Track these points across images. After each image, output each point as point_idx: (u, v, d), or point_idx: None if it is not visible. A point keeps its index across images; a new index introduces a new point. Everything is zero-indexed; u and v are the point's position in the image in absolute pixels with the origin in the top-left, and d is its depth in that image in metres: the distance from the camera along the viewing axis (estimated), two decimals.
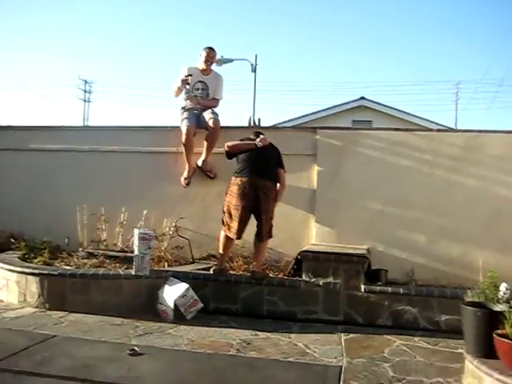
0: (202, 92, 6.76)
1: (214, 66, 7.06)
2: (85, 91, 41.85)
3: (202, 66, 6.75)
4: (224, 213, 5.70)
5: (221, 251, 5.83)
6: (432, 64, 70.86)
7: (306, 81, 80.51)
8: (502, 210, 5.93)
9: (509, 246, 5.84)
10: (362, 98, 17.50)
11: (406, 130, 6.38)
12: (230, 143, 5.76)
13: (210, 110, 6.65)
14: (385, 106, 17.41)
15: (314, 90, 67.70)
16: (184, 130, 6.46)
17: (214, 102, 6.83)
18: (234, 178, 5.62)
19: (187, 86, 6.67)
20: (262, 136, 5.78)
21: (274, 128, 6.84)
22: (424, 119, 17.50)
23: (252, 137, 5.85)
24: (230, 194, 5.61)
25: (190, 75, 6.60)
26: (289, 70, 72.04)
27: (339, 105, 17.62)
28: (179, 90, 6.74)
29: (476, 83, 57.04)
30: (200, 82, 6.74)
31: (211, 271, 5.77)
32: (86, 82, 41.78)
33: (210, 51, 6.78)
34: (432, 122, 17.23)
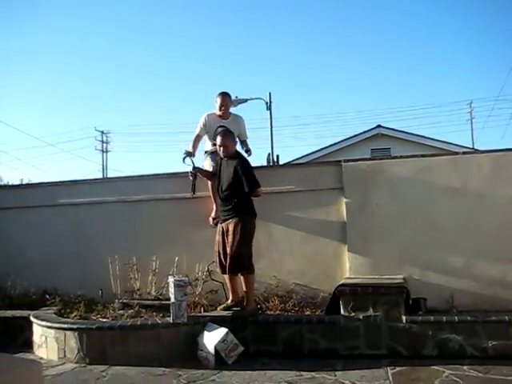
0: None
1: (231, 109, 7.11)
2: (102, 142, 42.67)
3: (218, 112, 6.78)
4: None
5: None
6: (445, 86, 71.04)
7: (321, 114, 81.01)
8: None
9: None
10: (379, 126, 17.50)
11: (431, 155, 6.35)
12: None
13: None
14: (402, 131, 17.41)
15: (330, 122, 68.02)
16: (210, 170, 6.52)
17: (244, 144, 6.87)
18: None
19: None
20: None
21: (297, 165, 6.80)
22: (442, 141, 17.44)
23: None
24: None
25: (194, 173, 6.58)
26: (304, 104, 72.77)
27: (356, 135, 17.64)
28: (197, 140, 6.83)
29: (492, 101, 56.84)
30: (220, 127, 6.73)
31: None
32: (102, 132, 42.60)
33: (224, 98, 6.76)
34: (450, 143, 17.15)
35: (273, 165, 6.59)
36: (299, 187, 6.52)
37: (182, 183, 7.00)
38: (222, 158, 6.07)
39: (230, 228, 5.76)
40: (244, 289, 5.82)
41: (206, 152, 6.84)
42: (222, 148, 5.94)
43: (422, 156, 6.34)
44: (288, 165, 6.80)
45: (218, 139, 5.98)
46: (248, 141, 6.95)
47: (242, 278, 5.82)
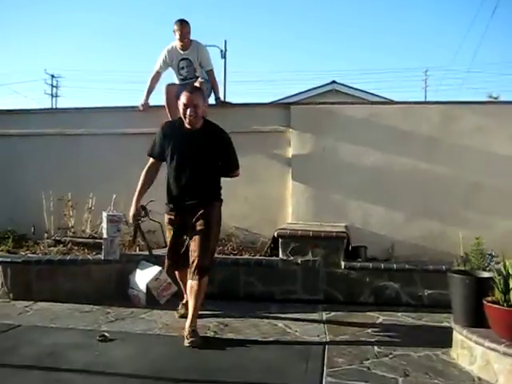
0: (188, 70, 6.32)
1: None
2: (52, 86, 41.12)
3: (178, 43, 6.27)
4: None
5: None
6: (403, 51, 71.95)
7: (278, 70, 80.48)
8: (481, 182, 5.81)
9: (488, 219, 5.73)
10: (334, 81, 17.28)
11: (381, 103, 6.22)
12: None
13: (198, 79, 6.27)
14: (356, 89, 17.21)
15: (287, 80, 67.64)
16: (164, 89, 6.24)
17: (212, 78, 6.43)
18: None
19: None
20: None
21: (244, 105, 6.54)
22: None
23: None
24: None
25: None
26: (260, 59, 72.28)
27: (311, 89, 17.31)
28: (155, 78, 6.48)
29: (445, 70, 57.50)
30: (183, 59, 6.31)
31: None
32: (52, 76, 41.05)
33: (183, 26, 6.20)
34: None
35: (220, 103, 6.30)
36: (246, 128, 6.24)
37: (122, 118, 6.71)
38: (176, 125, 4.34)
39: (203, 217, 4.18)
40: (194, 297, 4.09)
41: None
42: (189, 110, 4.11)
43: (373, 103, 6.20)
44: (235, 104, 6.53)
45: (185, 97, 4.13)
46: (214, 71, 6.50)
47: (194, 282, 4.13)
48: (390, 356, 3.68)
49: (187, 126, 4.20)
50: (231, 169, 4.41)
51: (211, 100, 6.40)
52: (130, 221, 4.53)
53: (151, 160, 4.42)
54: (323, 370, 3.39)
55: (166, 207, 4.36)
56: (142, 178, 4.43)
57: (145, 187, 4.42)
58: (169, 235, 4.41)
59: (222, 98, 6.58)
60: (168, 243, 4.43)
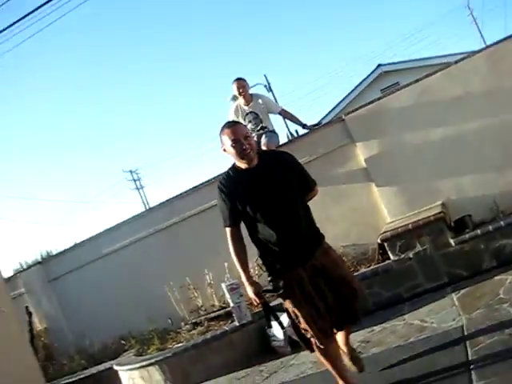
0: (254, 122, 6.65)
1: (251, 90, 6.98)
2: (134, 180, 42.98)
3: (241, 100, 6.68)
4: None
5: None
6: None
7: (323, 74, 79.87)
8: None
9: None
10: (379, 65, 17.14)
11: (426, 76, 6.23)
12: None
13: (265, 135, 6.62)
14: (403, 62, 16.97)
15: (336, 77, 67.15)
16: None
17: (287, 114, 6.90)
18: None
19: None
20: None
21: (304, 135, 6.84)
22: (450, 54, 16.89)
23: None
24: None
25: None
26: (304, 71, 72.37)
27: (360, 84, 17.28)
28: None
29: None
30: (248, 113, 6.66)
31: None
32: (131, 171, 42.89)
33: (239, 82, 6.64)
34: (459, 53, 16.64)
35: (289, 140, 6.69)
36: (314, 155, 6.47)
37: (207, 192, 7.08)
38: (232, 176, 3.51)
39: (328, 259, 3.60)
40: (346, 339, 3.83)
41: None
42: (243, 143, 3.40)
43: (416, 81, 6.24)
44: (295, 138, 6.84)
45: (231, 133, 3.43)
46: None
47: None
48: None
49: (245, 165, 3.46)
50: (310, 186, 3.63)
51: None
52: (254, 303, 3.62)
53: (229, 229, 3.54)
54: (467, 352, 3.51)
55: (271, 271, 3.55)
56: (233, 253, 3.54)
57: (243, 260, 3.53)
58: (295, 302, 3.49)
59: (305, 123, 6.87)
60: (299, 314, 3.48)
